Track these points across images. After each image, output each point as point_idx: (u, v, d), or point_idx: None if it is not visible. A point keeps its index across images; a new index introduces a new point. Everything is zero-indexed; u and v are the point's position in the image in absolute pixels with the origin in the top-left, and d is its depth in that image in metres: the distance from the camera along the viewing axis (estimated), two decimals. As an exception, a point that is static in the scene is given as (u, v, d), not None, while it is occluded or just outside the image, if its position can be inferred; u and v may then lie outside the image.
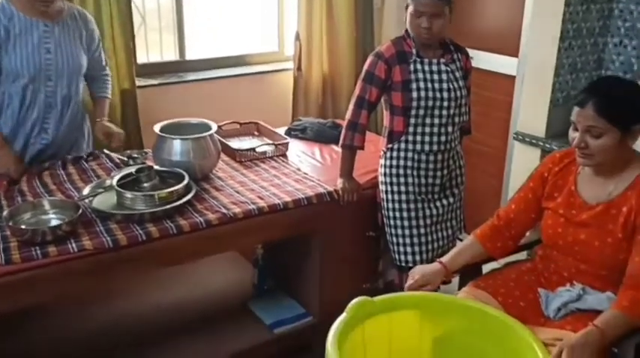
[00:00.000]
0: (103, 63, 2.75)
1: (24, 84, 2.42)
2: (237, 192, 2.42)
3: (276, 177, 2.59)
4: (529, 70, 2.86)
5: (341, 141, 2.47)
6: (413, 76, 2.32)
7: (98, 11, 2.88)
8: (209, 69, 3.47)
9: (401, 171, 2.43)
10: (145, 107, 3.12)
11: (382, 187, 2.49)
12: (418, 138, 2.38)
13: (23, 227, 2.00)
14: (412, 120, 2.36)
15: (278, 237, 2.50)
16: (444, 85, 2.34)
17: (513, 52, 3.12)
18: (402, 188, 2.43)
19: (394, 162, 2.43)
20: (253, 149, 2.78)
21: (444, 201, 2.51)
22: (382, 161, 2.48)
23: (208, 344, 2.50)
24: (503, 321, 1.69)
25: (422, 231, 2.46)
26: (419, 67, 2.33)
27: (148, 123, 2.88)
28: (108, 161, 2.66)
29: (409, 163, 2.41)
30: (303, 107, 3.58)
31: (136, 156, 2.67)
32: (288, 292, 2.83)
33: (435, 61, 2.35)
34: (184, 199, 2.23)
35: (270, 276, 2.88)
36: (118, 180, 2.26)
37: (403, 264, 2.49)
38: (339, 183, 2.51)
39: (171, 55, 3.45)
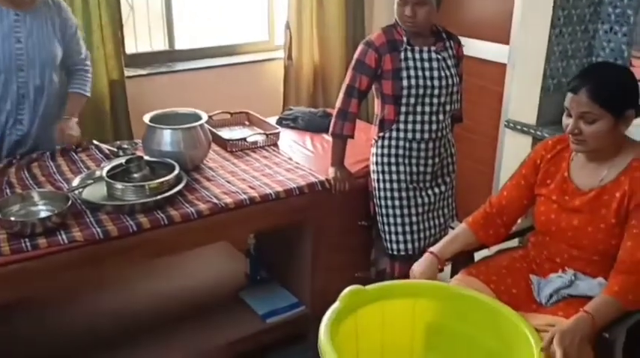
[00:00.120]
0: (82, 55, 2.66)
1: None
2: (229, 182, 2.41)
3: (267, 167, 2.58)
4: (520, 58, 2.86)
5: (331, 130, 2.47)
6: (403, 64, 2.31)
7: (86, 1, 2.85)
8: (199, 59, 3.44)
9: (392, 160, 2.43)
10: (134, 97, 3.10)
11: (374, 176, 2.48)
12: (409, 126, 2.38)
13: (12, 219, 1.99)
14: (403, 109, 2.35)
15: (270, 227, 2.49)
16: (435, 73, 2.33)
17: (504, 39, 3.12)
18: (394, 176, 2.43)
19: (385, 151, 2.43)
20: (244, 139, 2.77)
21: (436, 190, 2.51)
22: (373, 149, 2.47)
23: (201, 335, 2.50)
24: (495, 308, 1.70)
25: (414, 219, 2.46)
26: (409, 55, 2.32)
27: (137, 113, 2.86)
28: (97, 152, 2.64)
29: (400, 152, 2.41)
30: (294, 96, 3.56)
31: (125, 146, 2.65)
32: (280, 282, 2.83)
33: (425, 49, 2.35)
34: (175, 190, 2.22)
35: (263, 266, 2.88)
36: (108, 171, 2.24)
37: (395, 253, 2.49)
38: (331, 172, 2.50)
39: (160, 44, 3.42)
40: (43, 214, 2.06)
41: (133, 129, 3.08)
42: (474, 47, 3.21)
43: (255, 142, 2.79)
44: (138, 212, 2.12)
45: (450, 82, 2.36)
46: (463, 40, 2.50)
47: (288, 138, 2.93)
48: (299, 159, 2.69)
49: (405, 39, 2.33)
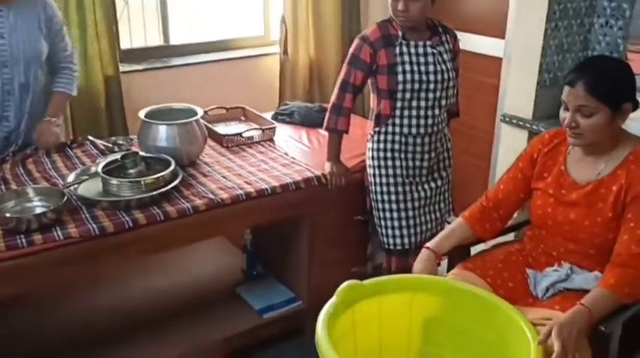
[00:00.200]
0: (67, 52, 2.58)
1: None
2: (225, 178, 2.40)
3: (263, 162, 2.58)
4: (516, 52, 2.85)
5: (325, 124, 2.47)
6: (399, 59, 2.31)
7: (80, -5, 2.84)
8: (194, 54, 3.43)
9: (388, 155, 2.42)
10: (129, 93, 3.09)
11: (370, 171, 2.48)
12: (405, 121, 2.37)
13: (8, 215, 1.98)
14: (399, 104, 2.35)
15: (266, 222, 2.49)
16: (430, 68, 2.33)
17: (500, 33, 3.11)
18: (390, 171, 2.43)
19: (381, 146, 2.43)
20: (240, 134, 2.76)
21: (432, 184, 2.51)
22: (370, 144, 2.47)
23: (197, 331, 2.50)
24: (491, 302, 1.70)
25: (410, 214, 2.47)
26: (405, 49, 2.32)
27: (132, 109, 2.86)
28: (92, 148, 2.63)
29: (396, 146, 2.41)
30: (290, 91, 3.56)
31: (121, 142, 2.64)
32: (277, 277, 2.83)
33: (421, 43, 2.34)
34: (171, 185, 2.21)
35: (259, 261, 2.88)
36: (104, 167, 2.24)
37: (392, 248, 2.49)
38: (327, 167, 2.50)
39: (155, 40, 3.40)
40: (38, 210, 2.05)
41: (128, 124, 3.08)
42: (470, 41, 3.20)
43: (251, 137, 2.79)
44: (134, 208, 2.11)
45: (445, 76, 2.36)
46: (459, 34, 2.50)
47: (284, 133, 2.92)
48: (295, 154, 2.69)
49: (400, 34, 2.32)
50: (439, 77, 2.34)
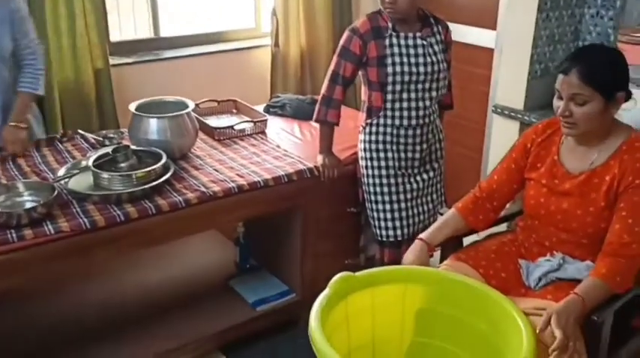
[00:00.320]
0: (29, 50, 2.45)
1: None
2: (217, 171, 2.40)
3: (255, 155, 2.57)
4: (507, 43, 2.85)
5: (315, 116, 2.46)
6: (388, 51, 2.30)
7: (68, -12, 2.81)
8: (185, 46, 3.41)
9: (380, 146, 2.42)
10: (119, 86, 3.07)
11: (362, 163, 2.48)
12: (396, 113, 2.37)
13: (-3, 210, 1.97)
14: (389, 96, 2.34)
15: (259, 215, 2.49)
16: (420, 60, 2.32)
17: (491, 24, 3.11)
18: (382, 163, 2.43)
19: (373, 138, 2.42)
20: (232, 127, 2.75)
21: (424, 176, 2.51)
22: (361, 136, 2.47)
23: (191, 324, 2.49)
24: (484, 292, 1.71)
25: (402, 205, 2.47)
26: (394, 41, 2.31)
27: (123, 102, 2.83)
28: (83, 142, 2.61)
29: (388, 138, 2.41)
30: (282, 83, 3.54)
31: (111, 136, 2.63)
32: (270, 270, 2.83)
33: (411, 35, 2.33)
34: (163, 179, 2.20)
35: (252, 254, 2.88)
36: (94, 161, 2.22)
37: (384, 239, 2.50)
38: (319, 159, 2.49)
39: (145, 32, 3.38)
40: (28, 205, 2.04)
41: (118, 118, 3.05)
42: (461, 32, 3.20)
43: (243, 130, 2.78)
44: (125, 201, 2.10)
45: (435, 68, 2.35)
46: (450, 25, 2.49)
47: (276, 126, 2.91)
48: (287, 146, 2.68)
49: (390, 25, 2.31)
50: (429, 69, 2.34)
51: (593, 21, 2.79)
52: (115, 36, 3.24)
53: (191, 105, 2.52)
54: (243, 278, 2.79)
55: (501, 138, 2.86)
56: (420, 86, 2.34)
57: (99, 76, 3.00)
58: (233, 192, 2.27)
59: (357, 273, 1.72)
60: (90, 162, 2.21)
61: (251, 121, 2.82)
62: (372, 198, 2.47)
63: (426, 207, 2.54)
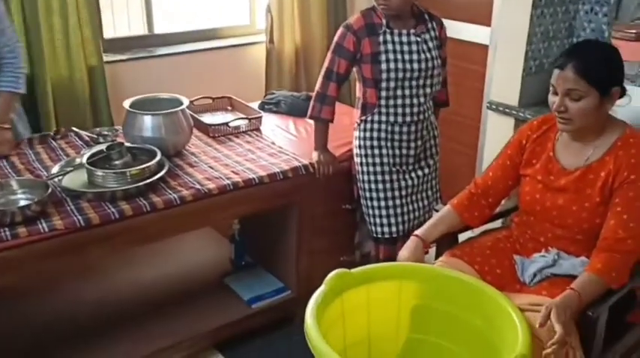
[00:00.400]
0: (8, 48, 2.38)
1: None
2: (211, 168, 2.39)
3: (250, 152, 2.56)
4: (502, 39, 2.85)
5: (309, 113, 2.46)
6: (382, 48, 2.30)
7: (61, -16, 2.79)
8: (179, 43, 3.39)
9: (375, 143, 2.42)
10: (113, 83, 3.05)
11: (357, 159, 2.48)
12: (391, 110, 2.37)
13: (-9, 208, 1.95)
14: (383, 93, 2.34)
15: (254, 212, 2.48)
16: (415, 56, 2.32)
17: (486, 21, 3.11)
18: (377, 159, 2.43)
19: (368, 134, 2.42)
20: (226, 124, 2.75)
21: (419, 172, 2.51)
22: (356, 133, 2.47)
23: (186, 322, 2.49)
24: (479, 288, 1.71)
25: (397, 202, 2.47)
26: (388, 38, 2.31)
27: (117, 99, 2.82)
28: (77, 139, 2.60)
29: (382, 135, 2.41)
30: (276, 80, 3.53)
31: (106, 133, 2.61)
32: (265, 267, 2.83)
33: (405, 32, 2.33)
34: (157, 176, 2.20)
35: (247, 251, 2.87)
36: (88, 158, 2.21)
37: (379, 236, 2.50)
38: (314, 156, 2.49)
39: (139, 29, 3.36)
40: (22, 203, 2.03)
41: (113, 115, 3.04)
42: (456, 29, 3.20)
43: (238, 127, 2.77)
44: (119, 199, 2.09)
45: (429, 64, 2.35)
46: (445, 22, 2.49)
47: (271, 123, 2.91)
48: (282, 143, 2.68)
49: (384, 22, 2.31)
50: (423, 66, 2.33)
51: (587, 17, 2.79)
52: (108, 33, 3.22)
53: (185, 102, 2.51)
54: (238, 276, 2.79)
55: (496, 134, 2.86)
56: (414, 83, 2.34)
57: (93, 73, 2.98)
58: (228, 189, 2.26)
59: (353, 270, 1.73)
60: (84, 160, 2.20)
61: (246, 118, 2.82)
62: (367, 194, 2.47)
63: (421, 204, 2.55)
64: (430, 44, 2.37)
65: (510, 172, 1.98)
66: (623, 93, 1.77)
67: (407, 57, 2.31)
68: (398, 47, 2.31)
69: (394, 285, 1.76)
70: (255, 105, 3.05)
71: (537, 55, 2.76)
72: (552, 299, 1.64)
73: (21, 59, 2.46)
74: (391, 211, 2.46)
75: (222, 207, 2.30)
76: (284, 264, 2.69)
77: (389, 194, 2.45)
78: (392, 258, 2.35)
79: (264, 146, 2.63)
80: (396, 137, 2.41)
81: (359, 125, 2.45)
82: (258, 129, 2.81)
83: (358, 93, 2.45)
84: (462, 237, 2.10)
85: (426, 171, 2.53)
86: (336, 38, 2.37)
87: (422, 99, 2.38)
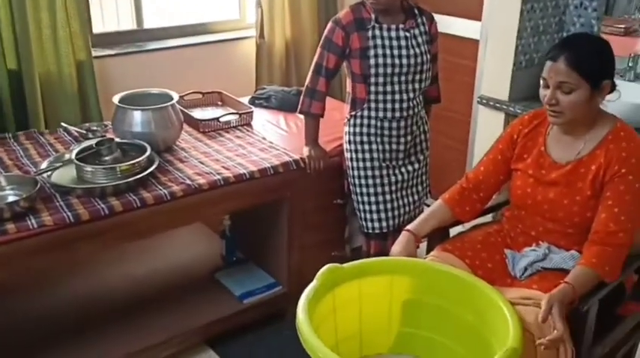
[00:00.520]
0: None
1: None
2: (202, 163, 2.38)
3: (240, 147, 2.56)
4: (492, 34, 2.86)
5: (299, 108, 2.45)
6: (371, 43, 2.29)
7: (49, -22, 2.76)
8: (168, 38, 3.37)
9: (365, 138, 2.42)
10: (102, 78, 3.03)
11: (347, 154, 2.48)
12: (380, 105, 2.37)
13: (-21, 204, 1.94)
14: (373, 88, 2.34)
15: (245, 207, 2.48)
16: (404, 52, 2.32)
17: (476, 15, 3.11)
18: (367, 155, 2.43)
19: (357, 129, 2.42)
20: (217, 119, 2.73)
21: (409, 167, 2.51)
22: (346, 128, 2.46)
23: (177, 318, 2.48)
24: (470, 283, 1.72)
25: (387, 197, 2.47)
26: (377, 33, 2.30)
27: (106, 94, 2.80)
28: (66, 135, 2.58)
29: (372, 130, 2.40)
30: (267, 75, 3.52)
31: (95, 128, 2.60)
32: (256, 262, 2.83)
33: (394, 26, 2.32)
34: (147, 171, 2.19)
35: (238, 247, 2.87)
36: (78, 154, 2.20)
37: (370, 231, 2.50)
38: (305, 151, 2.48)
39: (128, 23, 3.33)
40: (10, 199, 2.01)
41: (102, 110, 3.01)
42: (446, 23, 3.20)
43: (228, 122, 2.76)
44: (109, 195, 2.08)
45: (419, 60, 2.34)
46: (435, 16, 2.49)
47: (261, 118, 2.90)
48: (273, 138, 2.67)
49: (373, 17, 2.30)
50: (412, 61, 2.33)
51: (577, 12, 2.80)
52: (97, 27, 3.19)
53: (175, 97, 2.50)
54: (229, 271, 2.78)
55: (486, 129, 2.87)
56: (403, 78, 2.34)
57: (81, 68, 2.95)
58: (219, 184, 2.26)
59: (345, 265, 1.72)
60: (73, 155, 2.18)
61: (236, 113, 2.81)
62: (358, 189, 2.47)
63: (411, 199, 2.55)
64: (420, 39, 2.36)
65: (502, 167, 1.98)
66: (613, 87, 1.78)
67: (396, 52, 2.31)
68: (387, 42, 2.30)
69: (386, 280, 1.76)
70: (245, 100, 3.04)
71: (527, 49, 2.77)
72: (543, 293, 1.65)
73: None
74: (381, 206, 2.47)
75: (213, 203, 2.29)
76: (275, 260, 2.69)
77: (379, 189, 2.45)
78: (383, 252, 2.36)
79: (255, 141, 2.62)
80: (386, 132, 2.41)
81: (349, 120, 2.44)
82: (248, 125, 2.80)
83: (348, 88, 2.45)
84: (453, 231, 2.10)
85: (416, 166, 2.53)
86: (325, 33, 2.37)
87: (411, 95, 2.38)
